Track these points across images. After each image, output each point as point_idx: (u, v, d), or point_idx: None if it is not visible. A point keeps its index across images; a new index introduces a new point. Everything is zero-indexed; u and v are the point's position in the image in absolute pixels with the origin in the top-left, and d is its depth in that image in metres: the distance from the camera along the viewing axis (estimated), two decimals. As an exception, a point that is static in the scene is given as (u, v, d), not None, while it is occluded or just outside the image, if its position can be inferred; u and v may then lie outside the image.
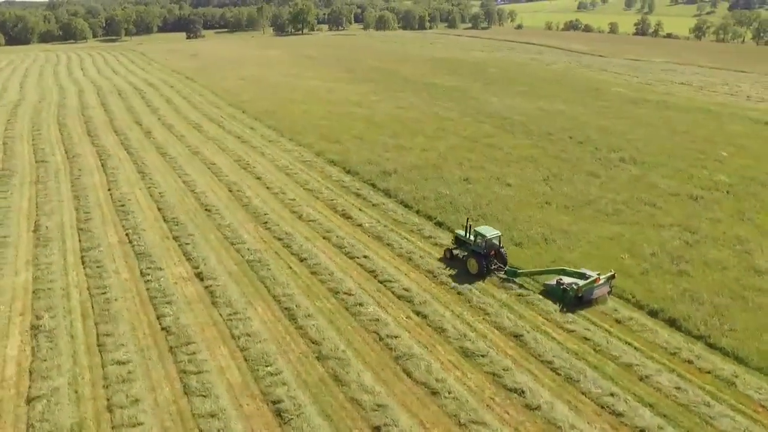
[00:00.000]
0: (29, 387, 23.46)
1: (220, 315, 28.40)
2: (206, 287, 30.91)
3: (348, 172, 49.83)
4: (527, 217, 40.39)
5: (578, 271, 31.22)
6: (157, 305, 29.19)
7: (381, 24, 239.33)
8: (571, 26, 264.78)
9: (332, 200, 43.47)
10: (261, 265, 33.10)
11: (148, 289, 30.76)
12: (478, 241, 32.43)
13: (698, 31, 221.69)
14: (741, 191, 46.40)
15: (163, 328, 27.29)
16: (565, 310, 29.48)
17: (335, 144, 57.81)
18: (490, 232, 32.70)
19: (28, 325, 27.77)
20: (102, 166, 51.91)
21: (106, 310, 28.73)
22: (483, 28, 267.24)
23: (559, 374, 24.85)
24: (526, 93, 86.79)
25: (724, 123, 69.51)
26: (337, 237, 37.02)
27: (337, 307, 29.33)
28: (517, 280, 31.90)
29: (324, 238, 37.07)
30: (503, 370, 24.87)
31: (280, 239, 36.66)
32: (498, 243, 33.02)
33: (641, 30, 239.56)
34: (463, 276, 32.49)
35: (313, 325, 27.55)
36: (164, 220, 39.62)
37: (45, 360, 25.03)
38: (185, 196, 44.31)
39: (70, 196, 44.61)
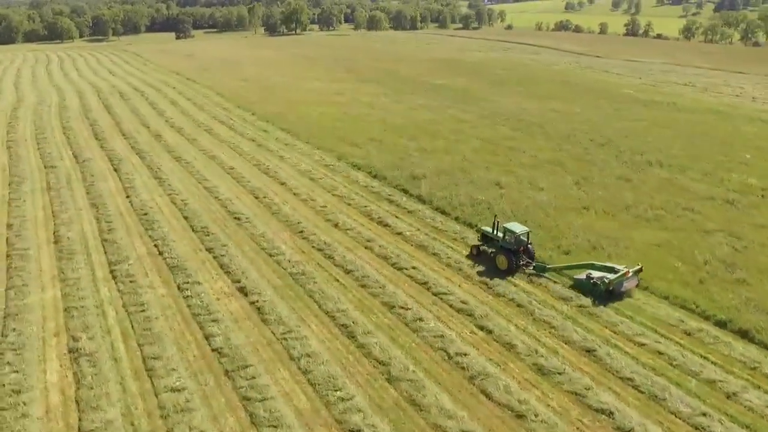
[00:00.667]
0: (79, 419, 21.47)
1: (273, 334, 26.56)
2: (252, 303, 29.02)
3: (375, 176, 48.09)
4: (568, 223, 39.07)
5: (606, 265, 31.21)
6: (202, 323, 27.25)
7: (372, 24, 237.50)
8: (562, 26, 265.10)
9: (365, 207, 41.72)
10: (306, 278, 31.27)
11: (189, 306, 28.79)
12: (507, 237, 32.53)
13: (687, 32, 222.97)
14: (776, 195, 45.57)
15: (214, 350, 25.37)
16: (596, 303, 29.42)
17: (355, 147, 56.00)
18: (519, 228, 32.84)
19: (65, 347, 25.71)
20: (115, 170, 49.60)
21: (147, 330, 26.74)
22: (474, 29, 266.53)
23: (642, 392, 23.48)
24: (536, 94, 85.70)
25: (738, 125, 68.95)
26: (379, 247, 35.30)
27: (396, 322, 27.65)
28: (545, 274, 32.00)
29: (366, 247, 35.34)
30: (585, 389, 23.42)
31: (320, 249, 34.84)
32: (526, 239, 33.12)
33: (631, 30, 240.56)
34: (520, 287, 31.04)
35: (375, 343, 25.84)
36: (193, 230, 37.56)
37: (91, 388, 23.00)
38: (210, 203, 42.25)
39: (87, 204, 42.33)
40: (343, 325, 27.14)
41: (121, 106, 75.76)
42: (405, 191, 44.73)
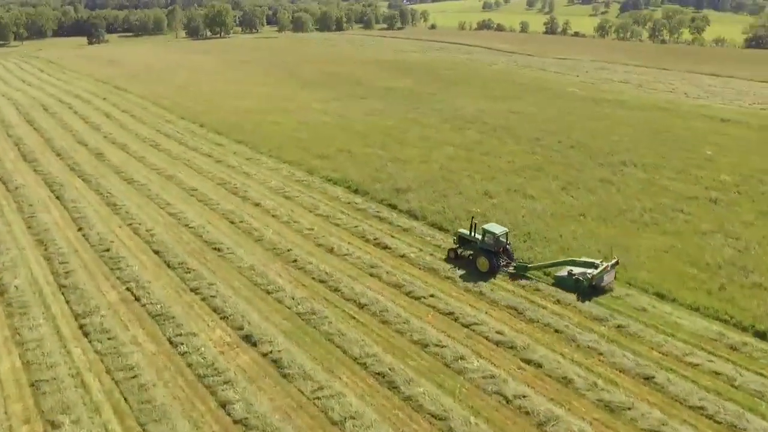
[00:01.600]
0: None
1: (302, 393, 22.61)
2: (264, 354, 24.85)
3: (356, 191, 44.43)
4: (571, 232, 37.28)
5: (586, 260, 31.10)
6: (212, 387, 22.87)
7: (298, 26, 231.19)
8: (484, 25, 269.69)
9: (356, 227, 38.07)
10: (318, 318, 27.38)
11: (190, 365, 24.24)
12: (487, 239, 31.88)
13: (602, 30, 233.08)
14: (750, 191, 46.00)
15: (236, 422, 21.14)
16: (581, 299, 29.31)
17: (324, 159, 52.01)
18: (498, 229, 32.39)
19: (45, 437, 20.62)
20: (57, 198, 43.10)
21: (146, 403, 22.03)
22: (399, 29, 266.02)
23: (719, 422, 21.70)
24: (488, 95, 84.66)
25: (687, 121, 70.62)
26: (386, 273, 31.86)
27: (436, 365, 24.42)
28: (527, 274, 31.64)
29: (372, 275, 31.79)
30: (662, 425, 21.27)
31: (322, 281, 30.96)
32: (506, 239, 32.70)
33: (550, 29, 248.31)
34: (550, 309, 28.64)
35: (422, 393, 22.52)
36: (169, 267, 32.54)
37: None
38: (180, 232, 37.13)
39: (31, 242, 36.12)
40: (379, 374, 23.59)
41: (48, 120, 67.40)
42: (393, 206, 41.44)
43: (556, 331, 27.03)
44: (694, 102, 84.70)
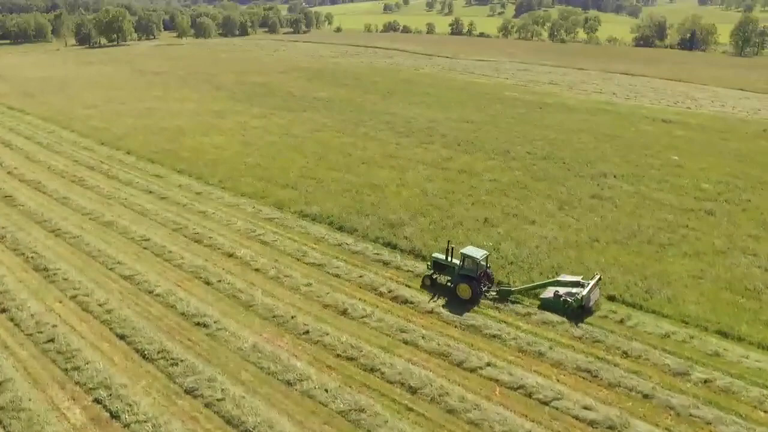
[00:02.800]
0: None
1: None
2: (318, 486, 18.49)
3: (341, 229, 38.17)
4: (594, 262, 33.69)
5: (571, 279, 29.56)
6: None
7: (200, 31, 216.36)
8: (390, 28, 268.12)
9: (361, 277, 32.01)
10: (369, 417, 21.33)
11: None
12: (467, 264, 29.21)
13: (504, 31, 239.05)
14: (734, 198, 45.21)
15: None
16: (572, 322, 27.53)
17: (289, 189, 45.13)
18: (477, 252, 29.74)
19: None
20: (-37, 266, 33.27)
21: None
22: (304, 32, 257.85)
23: None
24: (429, 103, 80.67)
25: (634, 123, 70.68)
26: (422, 338, 26.27)
27: (540, 472, 19.30)
28: (510, 298, 29.49)
29: (406, 343, 26.07)
30: None
31: (350, 359, 24.83)
32: (486, 263, 30.25)
33: (456, 30, 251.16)
34: (621, 367, 24.43)
35: None
36: (145, 358, 24.87)
37: None
38: (146, 304, 29.20)
39: (-66, 338, 26.78)
40: (480, 499, 18.09)
41: (-73, 156, 54.71)
42: (392, 246, 35.72)
43: (645, 396, 22.87)
44: (628, 103, 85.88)
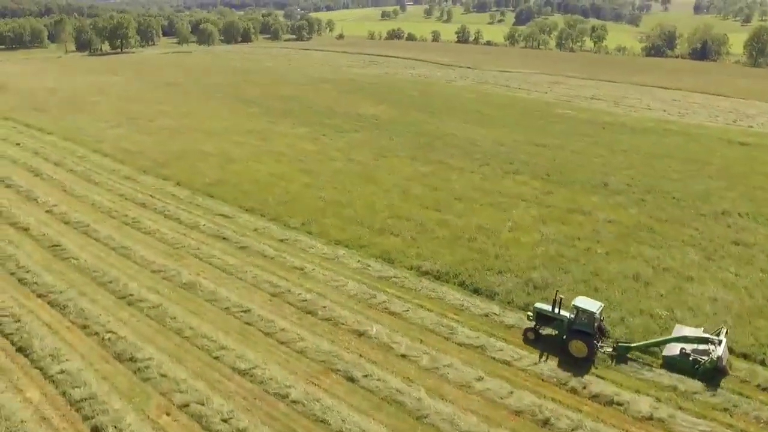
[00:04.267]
0: None
1: None
2: None
3: (476, 292, 31.09)
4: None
5: (698, 335, 25.80)
6: None
7: (203, 38, 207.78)
8: (394, 35, 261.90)
9: (535, 365, 25.13)
10: None
11: None
12: (582, 318, 25.82)
13: (511, 39, 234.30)
14: None
15: None
16: (708, 387, 23.79)
17: (389, 235, 38.02)
18: (593, 305, 26.30)
19: None
20: (23, 353, 25.61)
21: None
22: (306, 39, 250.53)
23: None
24: (485, 122, 74.00)
25: (712, 147, 64.24)
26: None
27: None
28: (628, 355, 25.86)
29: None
30: None
31: None
32: (600, 316, 26.77)
33: (463, 38, 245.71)
34: None
35: None
36: None
37: None
38: (287, 418, 21.92)
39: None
40: None
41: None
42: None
43: None
44: (685, 120, 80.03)
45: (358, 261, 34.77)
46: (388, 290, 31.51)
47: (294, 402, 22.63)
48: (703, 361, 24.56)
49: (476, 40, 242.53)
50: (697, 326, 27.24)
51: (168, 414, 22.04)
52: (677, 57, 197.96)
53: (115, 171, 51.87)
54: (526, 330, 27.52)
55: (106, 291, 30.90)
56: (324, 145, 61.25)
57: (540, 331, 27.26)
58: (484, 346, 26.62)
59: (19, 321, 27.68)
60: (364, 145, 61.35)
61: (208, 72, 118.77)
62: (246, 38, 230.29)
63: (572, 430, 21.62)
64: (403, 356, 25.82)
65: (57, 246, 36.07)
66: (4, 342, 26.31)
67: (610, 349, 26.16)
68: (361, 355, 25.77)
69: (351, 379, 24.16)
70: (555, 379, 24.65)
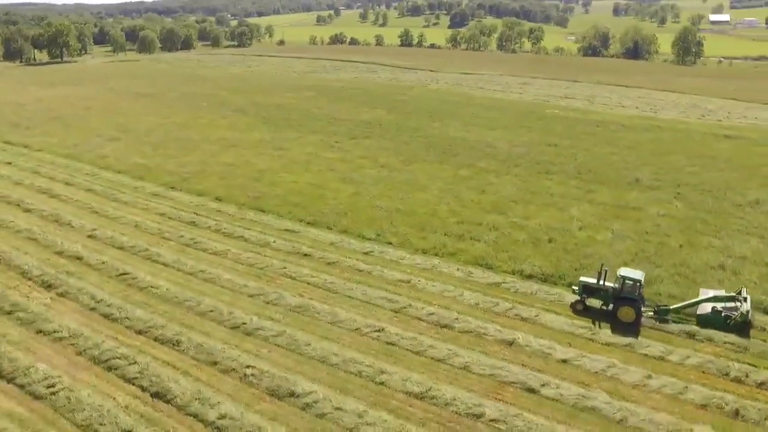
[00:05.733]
0: None
1: None
2: None
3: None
4: None
5: (725, 294, 29.17)
6: None
7: (144, 46, 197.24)
8: (337, 40, 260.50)
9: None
10: None
11: None
12: (628, 286, 28.36)
13: (454, 42, 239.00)
14: None
15: None
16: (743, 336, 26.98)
17: (470, 241, 37.25)
18: (637, 274, 29.02)
19: None
20: None
21: None
22: (248, 46, 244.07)
23: None
24: (487, 124, 74.58)
25: (702, 141, 67.89)
26: None
27: None
28: (668, 317, 28.53)
29: None
30: None
31: None
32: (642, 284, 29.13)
33: (406, 42, 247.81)
34: None
35: None
36: None
37: None
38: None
39: None
40: None
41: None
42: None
43: None
44: (662, 116, 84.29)
45: (458, 269, 33.79)
46: (507, 297, 30.78)
47: (494, 420, 21.49)
48: (734, 316, 27.53)
49: (420, 43, 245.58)
50: (718, 289, 30.30)
51: (369, 450, 20.27)
52: (612, 56, 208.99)
53: (138, 188, 47.87)
54: (574, 303, 29.50)
55: (212, 321, 28.18)
56: (345, 153, 59.48)
57: (586, 302, 29.28)
58: (631, 344, 26.51)
59: (135, 363, 24.65)
60: (385, 151, 60.13)
61: (175, 81, 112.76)
62: (186, 46, 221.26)
63: (765, 419, 21.85)
64: (564, 361, 25.25)
65: (125, 275, 32.62)
66: (132, 388, 23.28)
67: (651, 313, 28.67)
68: (523, 365, 24.92)
69: (531, 390, 23.30)
70: (715, 371, 24.87)
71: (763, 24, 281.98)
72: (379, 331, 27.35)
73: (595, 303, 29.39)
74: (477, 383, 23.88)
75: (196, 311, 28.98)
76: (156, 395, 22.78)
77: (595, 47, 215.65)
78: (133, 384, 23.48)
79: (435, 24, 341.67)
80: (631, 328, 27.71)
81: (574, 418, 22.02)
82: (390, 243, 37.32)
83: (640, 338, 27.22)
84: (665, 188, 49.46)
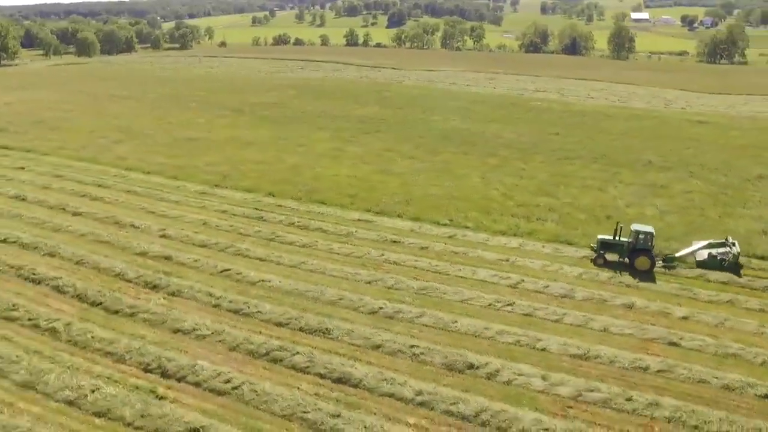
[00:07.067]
0: None
1: None
2: None
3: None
4: None
5: (716, 241, 34.19)
6: None
7: (84, 48, 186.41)
8: (281, 41, 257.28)
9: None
10: None
11: None
12: (641, 238, 32.43)
13: (399, 41, 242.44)
14: None
15: None
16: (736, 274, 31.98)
17: (536, 222, 39.29)
18: (648, 227, 33.22)
19: None
20: None
21: None
22: (190, 48, 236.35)
23: None
24: (482, 119, 76.91)
25: (683, 128, 73.52)
26: None
27: None
28: (674, 264, 32.97)
29: None
30: None
31: None
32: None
33: (352, 41, 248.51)
34: None
35: None
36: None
37: None
38: None
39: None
40: None
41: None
42: None
43: None
44: (635, 105, 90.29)
45: (543, 246, 35.57)
46: (602, 267, 32.83)
47: (661, 371, 23.44)
48: (728, 258, 32.55)
49: (366, 43, 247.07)
50: (706, 239, 34.91)
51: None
52: (552, 53, 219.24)
53: (180, 188, 46.39)
54: (595, 258, 33.42)
55: (347, 309, 27.98)
56: (366, 146, 60.03)
57: (605, 256, 33.20)
58: (731, 300, 29.32)
59: (298, 353, 24.38)
60: (404, 144, 61.18)
61: (144, 83, 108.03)
62: (127, 48, 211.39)
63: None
64: (685, 318, 27.74)
65: (226, 271, 31.95)
66: (310, 377, 23.00)
67: (661, 261, 33.01)
68: (653, 324, 27.03)
69: (673, 344, 25.39)
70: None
71: (678, 22, 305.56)
72: (510, 305, 28.63)
73: (612, 257, 33.26)
74: (624, 342, 25.72)
75: (324, 301, 28.99)
76: (339, 381, 22.88)
77: (536, 44, 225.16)
78: (308, 373, 23.41)
79: (373, 24, 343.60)
80: (648, 276, 31.95)
81: (722, 364, 24.27)
82: (467, 227, 38.60)
83: (739, 296, 30.07)
84: (676, 168, 53.59)
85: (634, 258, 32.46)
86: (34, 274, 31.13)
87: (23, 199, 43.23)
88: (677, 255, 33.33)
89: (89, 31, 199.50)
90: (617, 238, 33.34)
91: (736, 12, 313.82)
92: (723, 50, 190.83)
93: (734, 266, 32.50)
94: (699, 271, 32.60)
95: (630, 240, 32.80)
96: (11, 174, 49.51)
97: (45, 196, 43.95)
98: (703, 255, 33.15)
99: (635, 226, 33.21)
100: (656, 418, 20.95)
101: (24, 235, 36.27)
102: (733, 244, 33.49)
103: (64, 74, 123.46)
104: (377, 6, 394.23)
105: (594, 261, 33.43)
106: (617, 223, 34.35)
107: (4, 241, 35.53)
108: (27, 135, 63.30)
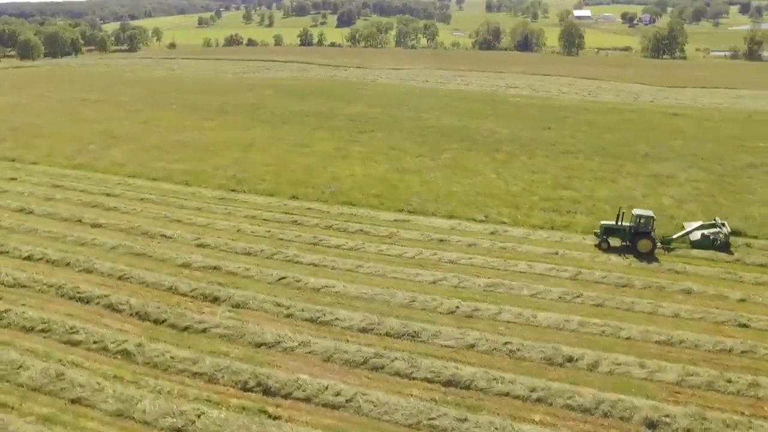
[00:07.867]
0: None
1: None
2: None
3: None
4: None
5: (706, 223, 36.60)
6: None
7: (26, 51, 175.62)
8: (233, 41, 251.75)
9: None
10: None
11: None
12: (641, 222, 34.19)
13: (353, 40, 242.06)
14: None
15: None
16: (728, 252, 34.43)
17: (567, 216, 40.12)
18: (648, 212, 35.10)
19: None
20: None
21: None
22: (138, 50, 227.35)
23: None
24: (475, 116, 77.84)
25: (660, 119, 76.89)
26: None
27: None
28: (672, 246, 35.06)
29: None
30: None
31: None
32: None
33: (306, 41, 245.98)
34: None
35: None
36: None
37: None
38: None
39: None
40: None
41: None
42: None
43: None
44: (604, 99, 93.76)
45: (584, 239, 36.31)
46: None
47: (744, 353, 24.20)
48: (720, 238, 34.82)
49: (320, 42, 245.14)
50: (697, 221, 37.25)
51: None
52: (504, 49, 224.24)
53: (195, 194, 44.41)
54: (598, 243, 34.81)
55: (424, 311, 27.24)
56: (368, 146, 59.52)
57: (609, 241, 34.69)
58: (778, 282, 30.91)
59: (396, 359, 23.74)
60: (406, 142, 61.02)
61: (109, 86, 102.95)
62: (73, 50, 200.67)
63: None
64: (743, 300, 28.87)
65: (283, 278, 30.75)
66: (418, 382, 22.27)
67: (660, 243, 34.75)
68: (717, 308, 28.03)
69: (743, 326, 26.29)
70: None
71: (619, 19, 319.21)
72: (578, 296, 29.02)
73: (615, 241, 34.79)
74: (698, 326, 26.53)
75: (397, 304, 28.30)
76: (449, 384, 22.34)
77: (489, 41, 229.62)
78: (414, 378, 22.73)
79: (323, 23, 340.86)
80: (648, 257, 33.72)
81: (798, 341, 25.60)
82: (503, 222, 38.89)
83: (780, 276, 31.72)
84: (673, 159, 55.97)
85: (636, 241, 34.03)
86: (78, 292, 28.97)
87: (30, 212, 40.19)
88: (674, 237, 35.41)
89: (29, 33, 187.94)
90: (619, 223, 34.77)
91: (669, 9, 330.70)
92: (665, 46, 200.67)
93: (725, 245, 34.75)
94: (737, 255, 34.17)
95: (631, 224, 34.35)
96: (4, 185, 45.91)
97: (53, 208, 41.04)
98: (697, 236, 35.32)
99: (636, 211, 34.94)
100: (762, 398, 21.79)
101: (48, 250, 33.71)
102: (723, 225, 35.69)
103: (15, 78, 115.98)
104: (326, 5, 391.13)
105: (598, 246, 34.83)
106: (619, 208, 35.92)
107: (29, 258, 32.93)
108: (6, 143, 59.04)
